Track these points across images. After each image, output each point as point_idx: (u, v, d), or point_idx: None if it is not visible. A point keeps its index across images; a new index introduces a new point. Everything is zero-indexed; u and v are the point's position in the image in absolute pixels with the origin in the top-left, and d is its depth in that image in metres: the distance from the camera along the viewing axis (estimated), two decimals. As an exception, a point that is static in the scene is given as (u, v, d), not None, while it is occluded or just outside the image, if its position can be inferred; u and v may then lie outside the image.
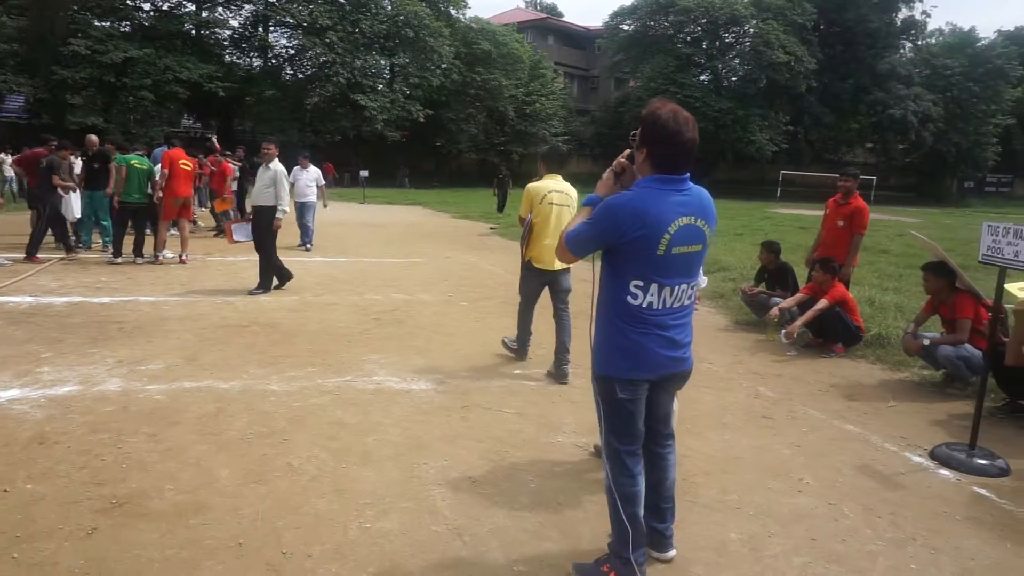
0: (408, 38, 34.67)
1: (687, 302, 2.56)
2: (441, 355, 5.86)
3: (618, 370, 2.52)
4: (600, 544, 2.95)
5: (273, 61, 36.95)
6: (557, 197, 5.28)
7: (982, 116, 46.71)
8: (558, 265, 5.31)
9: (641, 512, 2.67)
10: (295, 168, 12.02)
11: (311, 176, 12.34)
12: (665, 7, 42.64)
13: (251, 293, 7.91)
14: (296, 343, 5.98)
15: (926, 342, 5.48)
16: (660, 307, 2.47)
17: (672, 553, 2.84)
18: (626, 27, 45.70)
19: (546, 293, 5.62)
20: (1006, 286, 4.17)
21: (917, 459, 4.10)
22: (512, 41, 40.04)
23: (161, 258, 9.77)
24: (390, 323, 6.94)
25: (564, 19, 60.93)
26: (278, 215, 7.93)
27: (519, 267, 5.64)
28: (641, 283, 2.44)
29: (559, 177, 5.43)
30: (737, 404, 4.95)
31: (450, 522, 3.10)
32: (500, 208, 20.72)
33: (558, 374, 5.33)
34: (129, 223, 9.74)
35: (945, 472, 3.94)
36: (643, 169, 2.50)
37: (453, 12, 39.53)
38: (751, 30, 42.24)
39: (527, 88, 40.99)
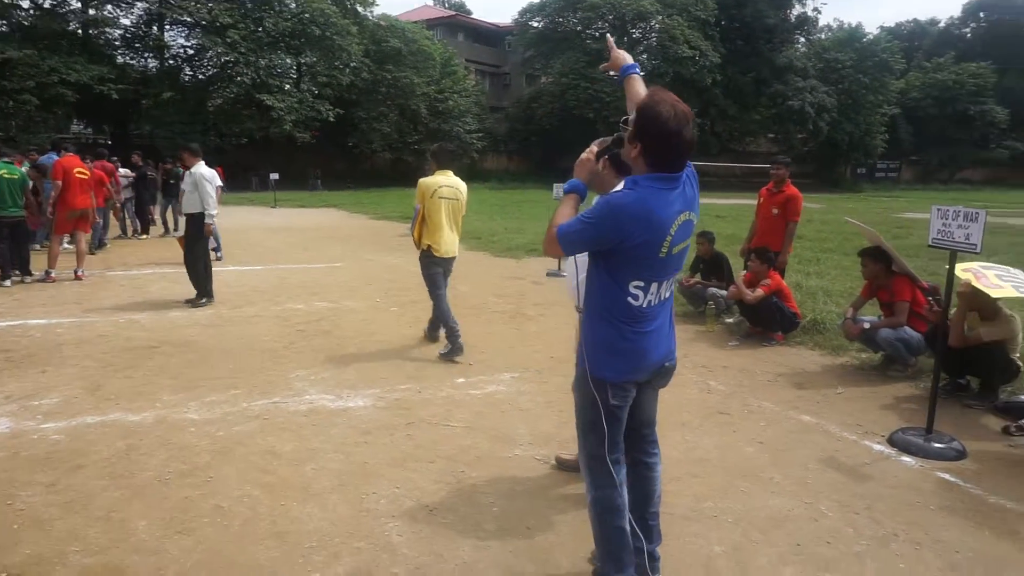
0: (315, 36, 33.43)
1: (673, 288, 2.45)
2: (376, 367, 5.47)
3: (617, 373, 2.34)
4: (581, 569, 2.70)
5: (171, 62, 34.80)
6: (447, 191, 5.76)
7: (871, 107, 49.38)
8: (451, 253, 5.88)
9: (628, 527, 2.45)
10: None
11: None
12: (573, 4, 42.90)
13: (193, 305, 7.51)
14: (214, 363, 5.44)
15: (866, 326, 5.51)
16: (656, 302, 2.35)
17: (659, 578, 2.60)
18: (535, 24, 45.76)
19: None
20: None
21: (878, 447, 4.05)
22: (422, 38, 39.35)
23: (54, 275, 8.86)
24: (316, 334, 6.47)
25: (473, 16, 60.53)
26: (207, 220, 7.56)
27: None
28: (642, 283, 2.29)
29: (450, 173, 5.87)
30: (691, 400, 4.80)
31: (411, 561, 2.76)
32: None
33: (431, 337, 6.19)
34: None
35: (907, 459, 3.89)
36: (637, 164, 2.29)
37: (360, 9, 38.36)
38: (657, 25, 43.08)
39: (439, 86, 40.37)
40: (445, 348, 5.80)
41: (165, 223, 14.22)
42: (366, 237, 15.17)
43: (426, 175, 5.92)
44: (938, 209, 3.90)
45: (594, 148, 2.50)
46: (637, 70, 2.87)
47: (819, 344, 6.31)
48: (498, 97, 53.65)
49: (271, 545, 2.84)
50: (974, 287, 4.56)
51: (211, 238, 10.15)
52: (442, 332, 6.03)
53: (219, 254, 11.15)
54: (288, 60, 35.03)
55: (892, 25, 60.85)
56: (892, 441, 4.11)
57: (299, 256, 11.85)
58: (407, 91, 37.67)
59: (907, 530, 3.09)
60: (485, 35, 55.14)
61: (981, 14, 59.95)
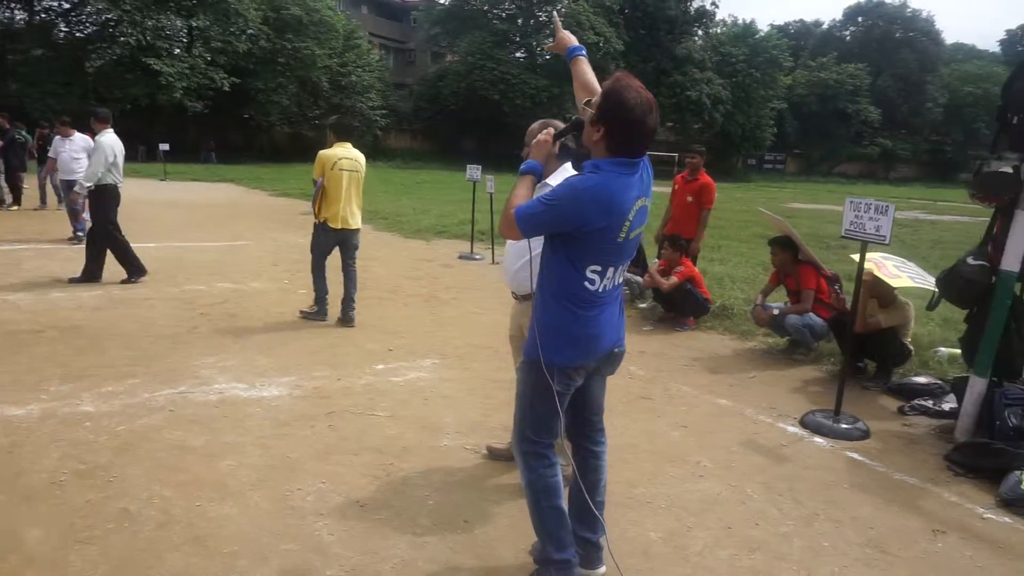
0: (208, -2, 31.48)
1: (623, 273, 2.43)
2: (289, 352, 5.20)
3: (568, 357, 2.30)
4: (523, 560, 2.65)
5: (43, 15, 31.80)
6: (347, 163, 5.83)
7: (761, 100, 51.97)
8: (350, 225, 5.94)
9: (566, 508, 2.46)
10: (56, 138, 10.33)
11: (78, 146, 9.91)
12: (480, -19, 42.60)
13: (71, 281, 7.06)
14: (108, 349, 5.00)
15: (775, 312, 5.75)
16: (611, 287, 2.33)
17: (602, 569, 2.58)
18: (442, 0, 45.15)
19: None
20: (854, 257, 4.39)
21: (792, 429, 4.23)
22: (324, 8, 37.69)
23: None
24: (221, 317, 6.09)
25: (377, -12, 58.80)
26: (76, 188, 7.06)
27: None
28: (599, 268, 2.26)
29: (349, 145, 5.94)
30: (614, 385, 4.74)
31: (345, 562, 2.61)
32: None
33: (345, 319, 5.99)
34: None
35: (819, 439, 4.09)
36: (598, 147, 2.24)
37: (257, -27, 36.46)
38: (564, 9, 43.35)
39: (342, 59, 38.95)
40: (310, 309, 6.13)
41: (43, 194, 12.98)
42: (267, 214, 14.48)
43: (325, 148, 5.89)
44: (851, 201, 4.08)
45: (551, 130, 2.44)
46: (583, 52, 2.81)
47: (729, 329, 6.54)
48: (402, 74, 52.49)
49: (189, 551, 2.62)
50: (876, 276, 4.85)
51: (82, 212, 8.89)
52: (355, 313, 6.04)
53: (80, 233, 9.35)
54: (179, 22, 32.67)
55: (781, 24, 64.22)
56: (804, 423, 4.30)
57: (197, 233, 11.14)
58: (308, 63, 36.11)
59: (826, 509, 3.23)
60: (390, 9, 53.70)
61: (859, 18, 64.05)
